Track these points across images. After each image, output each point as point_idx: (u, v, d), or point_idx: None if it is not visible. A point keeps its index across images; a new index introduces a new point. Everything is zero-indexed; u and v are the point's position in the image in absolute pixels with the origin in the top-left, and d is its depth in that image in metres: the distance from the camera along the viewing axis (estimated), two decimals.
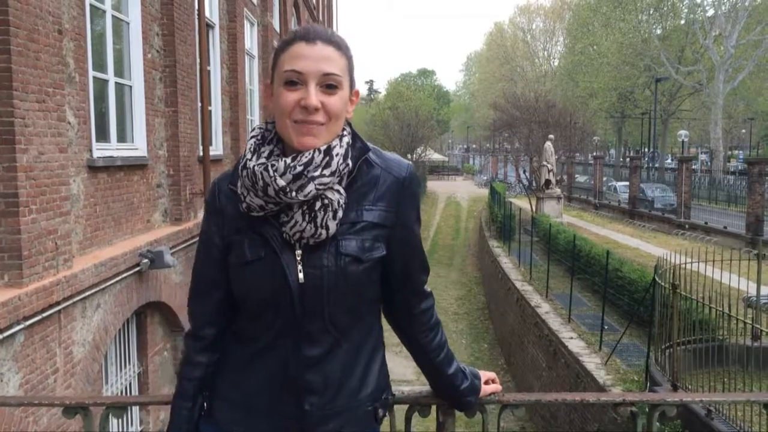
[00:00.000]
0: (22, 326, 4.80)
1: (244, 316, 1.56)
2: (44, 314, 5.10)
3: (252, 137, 1.52)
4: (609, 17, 44.84)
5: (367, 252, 1.48)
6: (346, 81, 1.48)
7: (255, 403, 1.52)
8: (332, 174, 1.44)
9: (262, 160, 1.46)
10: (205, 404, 1.61)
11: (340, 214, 1.46)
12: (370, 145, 1.57)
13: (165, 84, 8.37)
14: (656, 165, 42.36)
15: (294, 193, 1.41)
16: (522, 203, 29.60)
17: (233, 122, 12.39)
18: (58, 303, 5.30)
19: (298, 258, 1.45)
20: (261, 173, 1.42)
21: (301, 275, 1.45)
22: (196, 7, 9.49)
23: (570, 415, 10.59)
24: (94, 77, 6.62)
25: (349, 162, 1.49)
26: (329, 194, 1.45)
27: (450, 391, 1.73)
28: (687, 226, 23.62)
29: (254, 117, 15.98)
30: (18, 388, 4.80)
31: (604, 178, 36.07)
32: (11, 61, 4.66)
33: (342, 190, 1.47)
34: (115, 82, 7.20)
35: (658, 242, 20.98)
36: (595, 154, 40.21)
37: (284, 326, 1.48)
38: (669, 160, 52.17)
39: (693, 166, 29.51)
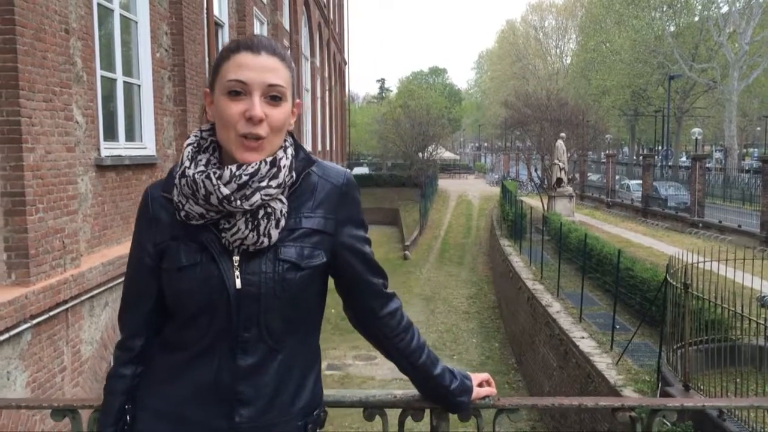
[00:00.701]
0: (29, 325, 4.81)
1: (176, 323, 1.51)
2: (51, 313, 5.12)
3: (188, 145, 1.49)
4: (622, 14, 44.55)
5: (306, 259, 1.46)
6: (290, 93, 1.46)
7: (182, 414, 1.46)
8: (278, 186, 1.44)
9: (201, 168, 1.44)
10: (128, 418, 1.55)
11: (282, 222, 1.45)
12: (313, 156, 1.57)
13: (174, 83, 8.39)
14: (670, 163, 42.03)
15: (239, 202, 1.39)
16: (534, 202, 29.47)
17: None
18: (65, 301, 5.32)
19: (236, 264, 1.43)
20: (202, 181, 1.40)
21: (238, 281, 1.42)
22: (205, 6, 9.50)
23: (580, 415, 10.51)
24: (103, 76, 6.63)
25: (293, 174, 1.48)
26: (273, 203, 1.44)
27: (440, 393, 1.69)
28: (701, 225, 23.40)
29: None
30: (25, 387, 4.82)
31: (617, 177, 35.82)
32: (17, 61, 4.67)
33: (284, 200, 1.46)
34: (124, 81, 7.22)
35: (671, 241, 20.80)
36: (607, 152, 39.96)
37: (218, 334, 1.44)
38: (683, 158, 51.80)
39: (707, 164, 29.24)
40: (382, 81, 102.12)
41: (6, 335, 4.54)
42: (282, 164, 1.45)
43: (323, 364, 14.05)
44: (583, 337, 11.64)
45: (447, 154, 61.27)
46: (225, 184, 1.39)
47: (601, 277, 14.88)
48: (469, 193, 46.87)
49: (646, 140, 60.30)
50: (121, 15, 7.16)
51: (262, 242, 1.42)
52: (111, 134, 6.96)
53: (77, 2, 5.94)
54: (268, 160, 1.43)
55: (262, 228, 1.42)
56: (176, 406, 1.47)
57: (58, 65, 5.28)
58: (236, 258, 1.43)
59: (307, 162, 1.53)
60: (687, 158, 47.78)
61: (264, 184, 1.41)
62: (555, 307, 13.78)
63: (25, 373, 4.84)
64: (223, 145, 1.45)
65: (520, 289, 16.84)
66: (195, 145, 1.49)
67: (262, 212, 1.42)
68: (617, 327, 11.43)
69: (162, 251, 1.49)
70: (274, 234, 1.43)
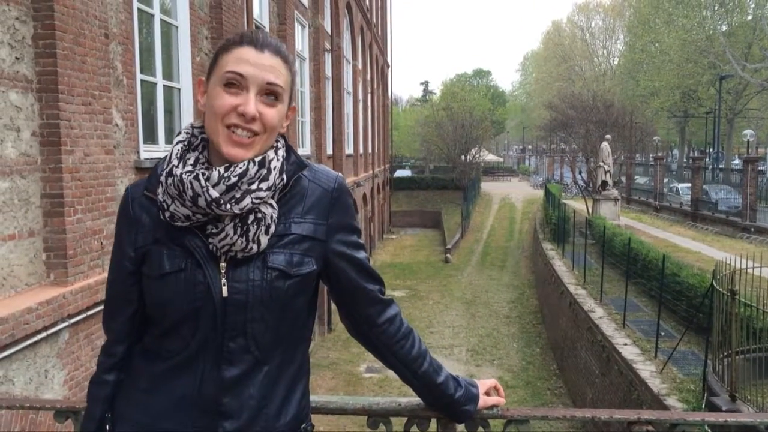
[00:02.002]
0: (66, 324, 4.92)
1: (157, 331, 1.45)
2: (89, 312, 5.22)
3: (178, 142, 1.44)
4: (671, 14, 43.44)
5: (295, 267, 1.40)
6: (287, 95, 1.41)
7: (163, 426, 1.40)
8: (269, 188, 1.38)
9: (189, 168, 1.38)
10: (106, 427, 1.51)
11: (272, 229, 1.39)
12: (305, 160, 1.51)
13: None
14: (721, 166, 40.80)
15: (228, 206, 1.34)
16: (578, 205, 28.96)
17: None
18: (103, 302, 5.41)
19: (223, 271, 1.37)
20: (190, 182, 1.34)
21: (225, 289, 1.36)
22: (245, 10, 9.60)
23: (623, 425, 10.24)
24: (143, 80, 6.75)
25: (284, 177, 1.43)
26: (263, 208, 1.38)
27: (444, 402, 1.62)
28: (752, 230, 22.63)
29: (305, 119, 16.11)
30: (62, 385, 4.92)
31: (666, 180, 34.94)
32: (57, 65, 4.78)
33: (275, 204, 1.41)
34: (164, 85, 7.33)
35: (721, 246, 20.16)
36: (656, 154, 39.03)
37: (203, 343, 1.38)
38: (735, 161, 50.26)
39: (760, 167, 28.24)
40: (426, 83, 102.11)
41: (44, 334, 4.64)
42: (272, 165, 1.39)
43: (362, 367, 14.01)
44: (626, 344, 11.35)
45: (490, 157, 60.85)
46: (213, 186, 1.33)
47: (646, 283, 14.50)
48: (512, 195, 46.37)
49: (696, 142, 58.75)
50: (161, 20, 7.28)
51: (251, 249, 1.37)
52: (151, 137, 7.08)
53: (118, 8, 6.05)
54: (257, 160, 1.37)
55: (251, 234, 1.36)
56: (157, 418, 1.42)
57: (98, 69, 5.39)
58: (223, 265, 1.38)
59: (299, 166, 1.47)
60: (739, 161, 46.34)
61: (254, 186, 1.36)
62: (597, 313, 13.48)
63: (63, 371, 4.94)
64: (211, 137, 1.40)
65: (562, 293, 16.55)
66: (185, 142, 1.44)
67: (252, 217, 1.36)
68: (662, 334, 11.11)
69: (143, 255, 1.43)
70: (264, 240, 1.38)
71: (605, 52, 67.76)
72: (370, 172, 30.23)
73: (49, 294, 4.74)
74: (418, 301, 21.82)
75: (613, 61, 65.74)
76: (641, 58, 48.07)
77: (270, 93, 1.37)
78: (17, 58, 4.61)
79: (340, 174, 1.54)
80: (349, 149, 23.91)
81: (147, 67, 6.94)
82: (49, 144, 4.84)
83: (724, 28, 41.26)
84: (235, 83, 1.35)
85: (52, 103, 4.81)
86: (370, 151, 30.97)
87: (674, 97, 44.32)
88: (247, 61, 1.35)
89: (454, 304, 21.55)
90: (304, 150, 15.80)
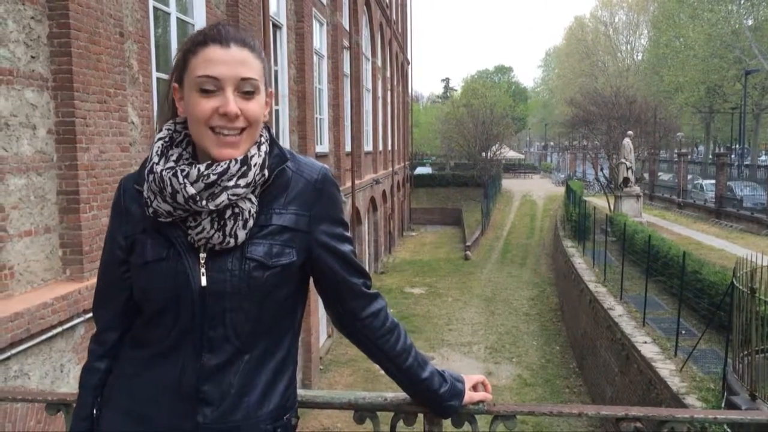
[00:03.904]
0: (82, 319, 4.99)
1: (143, 319, 1.49)
2: None
3: (159, 139, 1.45)
4: (696, 8, 42.83)
5: (274, 258, 1.41)
6: (262, 84, 1.42)
7: (145, 412, 1.44)
8: (247, 185, 1.39)
9: (171, 164, 1.40)
10: (94, 412, 1.54)
11: (250, 223, 1.40)
12: (287, 150, 1.51)
13: None
14: (746, 162, 40.14)
15: (204, 202, 1.36)
16: (600, 202, 28.69)
17: (300, 121, 12.55)
18: None
19: (202, 261, 1.40)
20: (169, 179, 1.36)
21: (203, 279, 1.39)
22: (262, 7, 9.65)
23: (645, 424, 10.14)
24: (159, 78, 6.81)
25: (266, 172, 1.43)
26: (241, 203, 1.39)
27: (428, 397, 1.62)
28: None
29: (323, 116, 16.16)
30: (77, 380, 4.99)
31: (690, 176, 34.46)
32: (72, 63, 4.84)
33: (254, 199, 1.42)
34: None
35: (745, 243, 19.84)
36: (680, 150, 38.52)
37: (184, 332, 1.41)
38: (762, 157, 49.43)
39: None
40: (447, 80, 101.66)
41: (60, 329, 4.72)
42: (253, 162, 1.40)
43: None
44: (645, 342, 11.23)
45: (511, 154, 60.53)
46: (192, 183, 1.35)
47: (667, 281, 14.33)
48: (533, 193, 46.06)
49: (722, 138, 57.85)
50: (177, 18, 7.34)
51: (228, 242, 1.39)
52: None
53: (133, 6, 6.11)
54: (239, 158, 1.39)
55: (228, 228, 1.38)
56: (141, 404, 1.46)
57: (113, 67, 5.45)
58: (203, 255, 1.40)
59: (281, 158, 1.47)
60: (765, 157, 45.57)
61: (232, 183, 1.37)
62: (617, 311, 13.36)
63: (79, 365, 5.01)
64: (197, 142, 1.42)
65: (582, 291, 16.42)
66: (167, 139, 1.45)
67: (229, 212, 1.38)
68: (683, 332, 10.98)
69: (132, 244, 1.47)
70: (241, 235, 1.40)
71: (629, 47, 66.97)
72: (390, 169, 30.22)
73: (65, 289, 4.81)
74: (437, 298, 21.78)
75: (637, 56, 64.97)
76: (665, 53, 47.42)
77: (246, 87, 1.37)
78: (33, 57, 4.68)
79: (325, 166, 1.55)
80: (368, 146, 23.91)
81: (163, 66, 7.01)
82: (65, 141, 4.91)
83: (750, 22, 40.58)
84: (211, 87, 1.36)
85: (67, 101, 4.87)
86: (389, 148, 30.96)
87: (699, 92, 43.68)
88: (216, 61, 1.35)
89: (473, 302, 21.48)
90: (323, 147, 15.83)
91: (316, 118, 14.98)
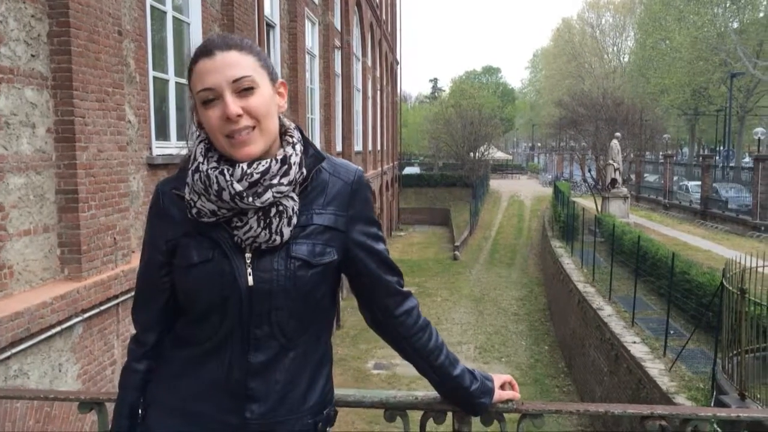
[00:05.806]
0: (80, 318, 4.97)
1: (188, 319, 1.52)
2: (102, 307, 5.27)
3: (200, 141, 1.49)
4: (682, 11, 43.16)
5: (318, 256, 1.46)
6: (262, 77, 1.44)
7: (193, 409, 1.48)
8: (289, 183, 1.43)
9: (214, 164, 1.44)
10: (140, 411, 1.57)
11: (294, 220, 1.44)
12: (323, 152, 1.55)
13: None
14: (731, 164, 40.55)
15: (251, 199, 1.39)
16: (587, 203, 28.90)
17: (292, 120, 12.52)
18: (116, 296, 5.47)
19: (248, 261, 1.43)
20: (216, 177, 1.40)
21: (250, 278, 1.42)
22: (256, 7, 9.64)
23: (632, 424, 10.24)
24: (155, 77, 6.80)
25: (304, 170, 1.48)
26: (284, 201, 1.43)
27: (459, 395, 1.66)
28: (763, 228, 22.52)
29: (314, 115, 16.15)
30: (76, 379, 4.97)
31: (675, 178, 34.76)
32: (71, 62, 4.82)
33: (296, 197, 1.46)
34: (176, 82, 7.38)
35: (731, 244, 20.07)
36: (666, 152, 38.85)
37: (230, 331, 1.45)
38: (746, 159, 49.94)
39: None
40: (435, 81, 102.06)
41: (58, 328, 4.70)
42: (292, 161, 1.44)
43: (370, 363, 14.02)
44: (635, 342, 11.34)
45: (499, 154, 60.71)
46: (237, 181, 1.39)
47: (656, 281, 14.47)
48: (521, 193, 46.28)
49: (707, 140, 58.40)
50: (173, 17, 7.32)
51: (275, 240, 1.42)
52: (163, 133, 7.13)
53: (131, 5, 6.10)
54: (279, 157, 1.43)
55: (274, 226, 1.42)
56: (187, 401, 1.48)
57: (111, 66, 5.43)
58: (248, 255, 1.43)
59: (317, 158, 1.52)
60: (750, 159, 46.03)
61: (275, 181, 1.41)
62: (606, 311, 13.47)
63: (77, 365, 5.00)
64: (222, 152, 1.45)
65: (571, 291, 16.53)
66: (207, 141, 1.49)
67: (273, 210, 1.42)
68: (671, 332, 11.09)
69: (174, 247, 1.50)
70: (286, 232, 1.43)
71: (615, 49, 67.41)
72: (379, 169, 30.25)
73: (64, 289, 4.80)
74: (427, 298, 21.84)
75: (623, 58, 65.40)
76: (651, 56, 47.80)
77: (242, 86, 1.40)
78: (33, 56, 4.66)
79: (359, 168, 1.59)
80: (358, 146, 23.93)
81: (159, 64, 6.99)
82: (64, 140, 4.89)
83: (735, 25, 40.98)
84: (210, 98, 1.40)
85: (66, 99, 4.86)
86: (379, 148, 30.99)
87: (685, 94, 44.07)
88: (206, 72, 1.39)
89: (462, 302, 21.57)
90: None
91: (308, 117, 14.98)
